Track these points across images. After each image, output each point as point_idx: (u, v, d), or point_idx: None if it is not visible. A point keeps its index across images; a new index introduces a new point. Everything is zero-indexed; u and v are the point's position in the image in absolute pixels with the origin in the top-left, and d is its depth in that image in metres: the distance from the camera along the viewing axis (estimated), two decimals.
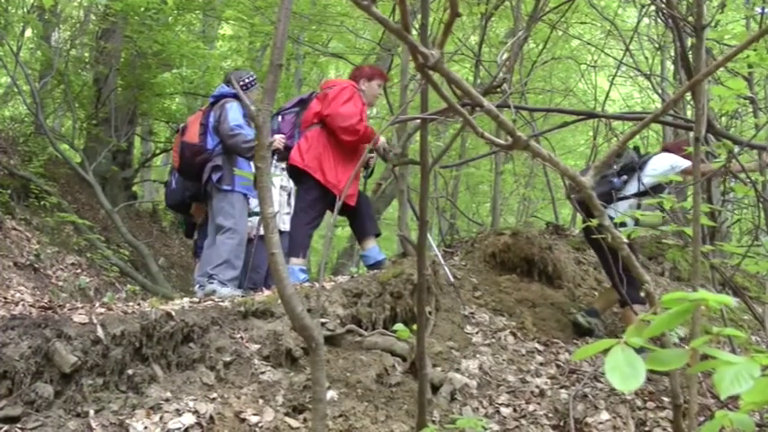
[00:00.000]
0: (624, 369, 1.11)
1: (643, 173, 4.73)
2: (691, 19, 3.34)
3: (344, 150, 5.22)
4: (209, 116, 5.49)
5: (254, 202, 5.73)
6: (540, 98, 11.30)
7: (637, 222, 4.32)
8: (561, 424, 3.65)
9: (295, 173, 5.34)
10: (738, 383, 1.07)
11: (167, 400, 3.19)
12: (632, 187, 4.79)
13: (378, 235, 5.53)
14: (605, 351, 1.18)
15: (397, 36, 1.09)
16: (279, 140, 5.31)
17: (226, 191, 5.31)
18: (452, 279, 4.96)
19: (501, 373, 4.10)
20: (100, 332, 3.29)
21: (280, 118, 5.50)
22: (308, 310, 3.09)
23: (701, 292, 1.18)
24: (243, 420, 3.15)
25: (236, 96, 5.48)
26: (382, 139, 5.30)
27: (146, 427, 2.97)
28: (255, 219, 6.16)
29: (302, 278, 5.05)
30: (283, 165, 5.96)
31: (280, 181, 6.50)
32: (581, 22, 10.24)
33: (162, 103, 12.15)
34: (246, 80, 5.71)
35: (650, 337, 1.25)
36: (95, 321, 3.36)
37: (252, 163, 5.44)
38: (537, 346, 4.59)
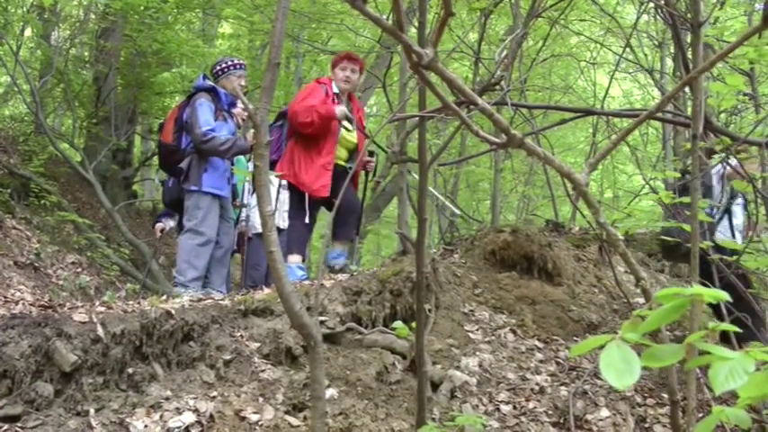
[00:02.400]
0: (619, 365, 1.11)
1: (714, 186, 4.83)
2: (689, 16, 3.34)
3: (309, 146, 5.31)
4: (184, 113, 5.36)
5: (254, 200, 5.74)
6: (540, 95, 11.30)
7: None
8: (561, 421, 3.65)
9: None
10: (733, 379, 1.07)
11: (167, 398, 3.19)
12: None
13: (351, 241, 5.60)
14: (602, 347, 1.19)
15: (392, 35, 1.09)
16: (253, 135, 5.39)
17: (192, 191, 5.24)
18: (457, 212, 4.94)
19: (501, 371, 4.10)
20: (100, 331, 3.29)
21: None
22: (308, 308, 3.10)
23: (697, 288, 1.19)
24: (243, 419, 3.16)
25: (209, 90, 5.40)
26: (340, 108, 5.31)
27: (146, 426, 2.98)
28: (254, 216, 6.18)
29: (300, 275, 5.06)
30: None
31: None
32: (580, 20, 10.24)
33: (162, 102, 12.16)
34: (219, 67, 5.58)
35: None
36: (95, 320, 3.36)
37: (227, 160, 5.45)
38: (537, 343, 4.59)
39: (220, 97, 5.37)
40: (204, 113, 5.21)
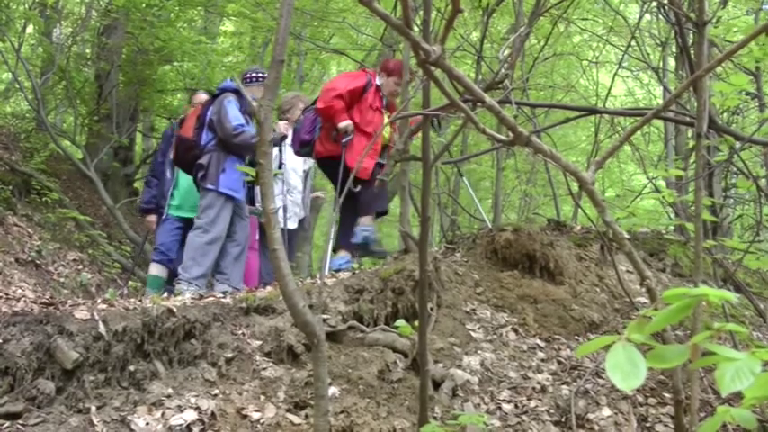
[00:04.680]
0: (625, 367, 1.10)
1: None
2: (692, 15, 3.33)
3: (365, 135, 5.58)
4: (208, 111, 5.48)
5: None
6: (542, 94, 11.30)
7: None
8: (563, 420, 3.65)
9: (323, 163, 5.76)
10: (740, 379, 1.06)
11: (169, 396, 3.19)
12: None
13: (381, 214, 5.89)
14: (606, 347, 1.18)
15: (399, 32, 1.08)
16: (283, 126, 5.53)
17: (209, 189, 5.30)
18: None
19: (502, 370, 4.10)
20: (101, 328, 3.29)
21: (302, 116, 5.82)
22: (310, 307, 3.10)
23: (703, 288, 1.18)
24: (244, 416, 3.16)
25: (236, 91, 5.48)
26: (345, 123, 5.51)
27: (147, 423, 2.98)
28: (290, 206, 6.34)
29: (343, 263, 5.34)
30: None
31: (303, 164, 6.59)
32: (582, 19, 10.23)
33: (163, 100, 12.15)
34: (251, 75, 5.74)
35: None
36: (97, 317, 3.36)
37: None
38: (538, 342, 4.59)
39: (245, 100, 5.51)
40: (233, 110, 5.37)
